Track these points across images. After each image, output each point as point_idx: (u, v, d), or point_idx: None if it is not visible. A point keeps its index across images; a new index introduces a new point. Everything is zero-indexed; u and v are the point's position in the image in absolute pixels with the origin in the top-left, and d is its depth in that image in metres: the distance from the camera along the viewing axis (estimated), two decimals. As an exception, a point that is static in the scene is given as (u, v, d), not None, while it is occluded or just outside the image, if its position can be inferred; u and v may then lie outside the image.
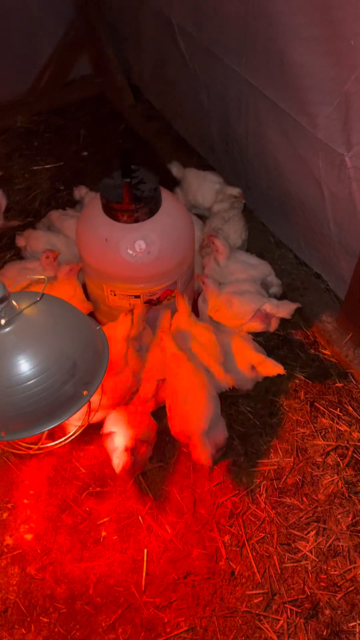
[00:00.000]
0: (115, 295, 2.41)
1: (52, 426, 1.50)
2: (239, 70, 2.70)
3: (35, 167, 3.64)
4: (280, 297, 2.79)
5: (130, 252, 2.25)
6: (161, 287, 2.40)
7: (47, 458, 2.37)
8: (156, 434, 2.25)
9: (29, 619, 2.01)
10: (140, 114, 3.92)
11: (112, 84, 4.00)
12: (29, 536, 2.19)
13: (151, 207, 2.24)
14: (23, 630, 1.99)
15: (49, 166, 3.65)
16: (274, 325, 2.53)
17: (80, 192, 3.11)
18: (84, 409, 1.89)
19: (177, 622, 2.00)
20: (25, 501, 2.27)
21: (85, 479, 2.34)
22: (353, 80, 2.07)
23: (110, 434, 2.15)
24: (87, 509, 2.26)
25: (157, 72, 3.64)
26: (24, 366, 1.42)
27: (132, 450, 2.08)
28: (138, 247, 2.24)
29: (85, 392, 1.53)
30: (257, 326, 2.48)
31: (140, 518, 2.23)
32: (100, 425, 2.42)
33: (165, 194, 2.37)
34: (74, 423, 2.04)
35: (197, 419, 2.12)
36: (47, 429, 1.50)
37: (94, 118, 3.98)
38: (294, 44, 2.24)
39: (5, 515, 2.24)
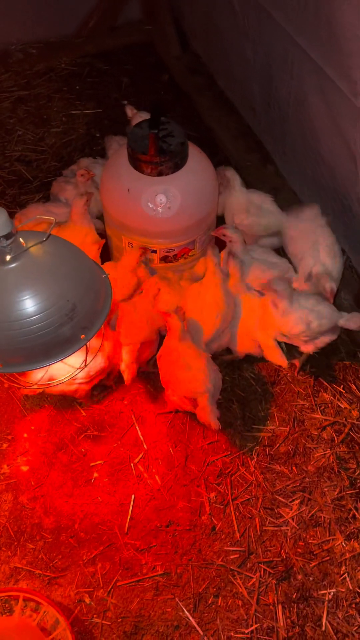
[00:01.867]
0: (132, 247, 2.42)
1: (48, 365, 1.55)
2: (287, 27, 2.59)
3: (74, 112, 3.61)
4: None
5: (151, 205, 2.25)
6: (179, 244, 2.40)
7: (50, 397, 2.46)
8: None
9: (15, 543, 2.13)
10: (185, 66, 3.82)
11: (161, 31, 3.90)
12: (25, 468, 2.29)
13: (176, 161, 2.22)
14: (9, 553, 2.11)
15: (87, 112, 3.62)
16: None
17: (108, 141, 3.08)
18: (82, 352, 1.94)
19: (154, 566, 2.09)
20: (25, 435, 2.37)
21: (85, 422, 2.42)
22: None
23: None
24: (83, 450, 2.35)
25: (207, 23, 3.52)
26: (25, 303, 1.46)
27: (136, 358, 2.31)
28: (159, 201, 2.24)
29: (82, 336, 1.57)
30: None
31: (132, 465, 2.31)
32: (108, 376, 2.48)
33: (193, 150, 2.34)
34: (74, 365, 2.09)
35: (202, 381, 2.18)
36: (42, 366, 1.55)
37: (138, 66, 3.90)
38: (343, 7, 2.14)
39: (5, 445, 2.34)
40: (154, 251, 2.40)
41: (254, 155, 3.29)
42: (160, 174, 2.22)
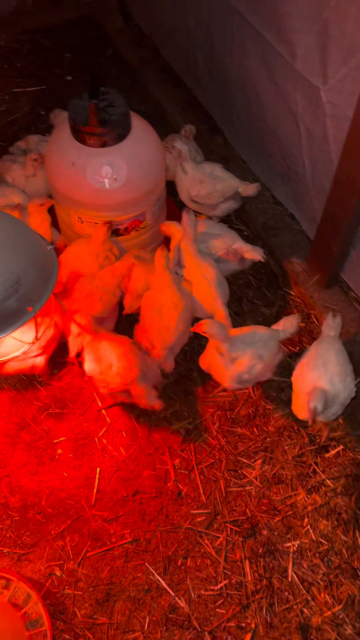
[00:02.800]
0: (82, 222, 2.40)
1: (-4, 338, 1.54)
2: (224, -7, 2.58)
3: (16, 89, 3.54)
4: (254, 240, 2.81)
5: (97, 177, 2.23)
6: (128, 216, 2.39)
7: (9, 378, 2.43)
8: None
9: (-18, 524, 2.13)
10: (128, 39, 3.77)
11: (103, 5, 3.83)
12: (-13, 450, 2.28)
13: (119, 131, 2.20)
14: (-24, 533, 2.11)
15: (31, 89, 3.55)
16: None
17: (57, 116, 3.03)
18: (32, 326, 1.93)
19: (123, 534, 2.12)
20: (-14, 417, 2.36)
21: (46, 401, 2.41)
22: (332, 7, 1.99)
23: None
24: (46, 428, 2.35)
25: (148, -7, 3.48)
26: (-33, 277, 1.44)
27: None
28: (104, 173, 2.22)
29: (29, 309, 1.56)
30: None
31: (96, 439, 2.32)
32: (62, 350, 2.49)
33: (136, 120, 2.32)
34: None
35: (130, 371, 2.16)
36: (-10, 341, 1.54)
37: (81, 41, 3.83)
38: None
39: (-35, 429, 2.32)
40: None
41: (202, 126, 3.28)
42: (104, 145, 2.20)
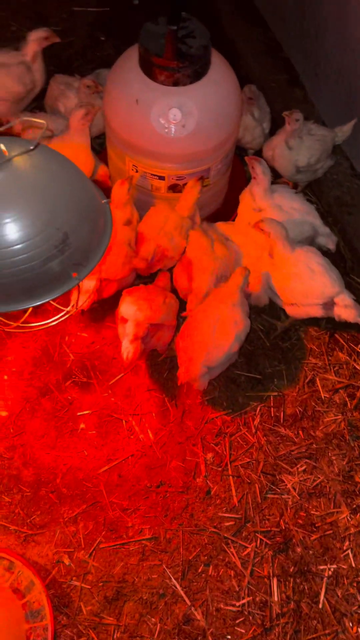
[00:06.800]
0: (137, 172, 2.09)
1: (30, 306, 1.28)
2: None
3: (76, 8, 3.15)
4: (323, 216, 2.47)
5: (162, 121, 1.90)
6: (191, 171, 2.06)
7: (36, 337, 2.20)
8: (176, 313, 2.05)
9: (-10, 495, 1.94)
10: None
11: None
12: (3, 413, 2.07)
13: (196, 69, 1.85)
14: (-17, 505, 1.92)
15: (92, 9, 3.15)
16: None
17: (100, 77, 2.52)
18: (73, 293, 1.66)
19: (141, 529, 1.91)
20: (6, 377, 2.13)
21: (73, 367, 2.18)
22: None
23: (123, 319, 1.94)
24: (69, 397, 2.12)
25: None
26: (4, 229, 1.16)
27: (143, 339, 1.89)
28: (172, 117, 1.89)
29: (74, 274, 1.28)
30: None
31: (123, 418, 2.09)
32: (97, 313, 2.25)
33: (215, 58, 1.96)
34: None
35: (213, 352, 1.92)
36: (24, 307, 1.28)
37: None
38: None
39: (-18, 387, 2.11)
40: (162, 178, 2.07)
41: (280, 75, 2.90)
42: (176, 84, 1.86)
